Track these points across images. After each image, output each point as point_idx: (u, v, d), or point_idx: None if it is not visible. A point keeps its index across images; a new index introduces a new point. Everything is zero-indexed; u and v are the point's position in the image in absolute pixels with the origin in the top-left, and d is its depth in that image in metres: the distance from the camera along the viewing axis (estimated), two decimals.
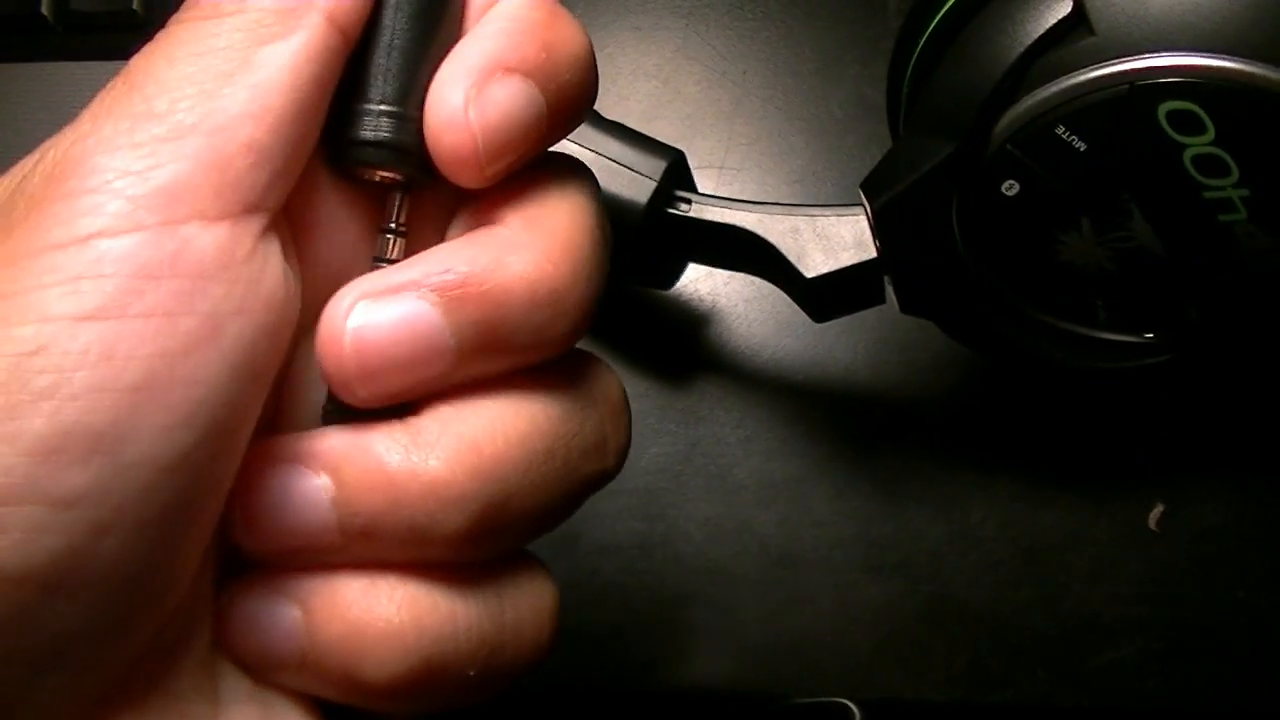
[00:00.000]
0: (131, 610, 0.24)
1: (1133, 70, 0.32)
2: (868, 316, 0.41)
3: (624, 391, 0.31)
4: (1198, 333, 0.37)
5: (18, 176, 0.25)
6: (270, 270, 0.25)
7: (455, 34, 0.28)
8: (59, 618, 0.23)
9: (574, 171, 0.29)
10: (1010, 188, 0.35)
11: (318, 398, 0.28)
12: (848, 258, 0.38)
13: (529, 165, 0.28)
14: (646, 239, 0.41)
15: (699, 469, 0.46)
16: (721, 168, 0.49)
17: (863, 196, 0.37)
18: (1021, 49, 0.33)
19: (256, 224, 0.25)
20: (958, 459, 0.46)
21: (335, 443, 0.27)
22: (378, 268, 0.28)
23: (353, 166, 0.28)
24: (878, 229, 0.37)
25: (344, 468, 0.26)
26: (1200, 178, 0.33)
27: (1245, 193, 0.33)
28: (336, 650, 0.26)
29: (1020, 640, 0.44)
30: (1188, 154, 0.33)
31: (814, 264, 0.38)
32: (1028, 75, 0.34)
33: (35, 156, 0.25)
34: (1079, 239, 0.35)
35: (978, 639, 0.45)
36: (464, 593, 0.28)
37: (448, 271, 0.26)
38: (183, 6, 0.26)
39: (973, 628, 0.45)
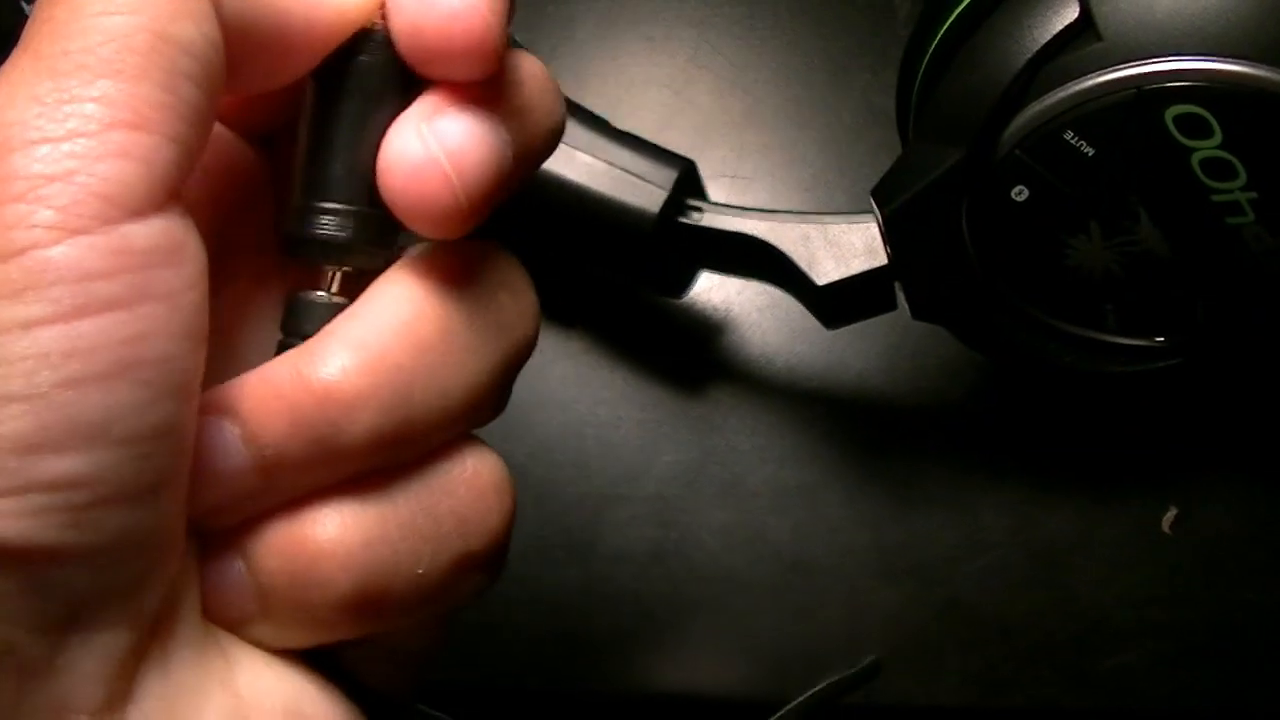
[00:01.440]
0: (140, 571, 0.24)
1: (1139, 75, 0.32)
2: (879, 323, 0.41)
3: (520, 268, 0.30)
4: (1207, 335, 0.37)
5: None
6: (195, 237, 0.25)
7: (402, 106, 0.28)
8: (71, 584, 0.23)
9: None
10: (1019, 193, 0.35)
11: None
12: (859, 265, 0.38)
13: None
14: (658, 248, 0.41)
15: (712, 476, 0.47)
16: (733, 176, 0.49)
17: (873, 203, 0.37)
18: (1029, 55, 0.34)
19: (180, 204, 0.24)
20: (969, 464, 0.46)
21: (238, 384, 0.27)
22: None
23: (309, 261, 0.28)
24: (888, 235, 0.37)
25: (245, 402, 0.26)
26: (1208, 181, 0.33)
27: (1253, 196, 0.33)
28: (283, 590, 0.27)
29: (1032, 644, 0.44)
30: (1195, 158, 0.33)
31: (825, 271, 0.39)
32: (1035, 81, 0.34)
33: None
34: (1088, 243, 0.35)
35: (989, 643, 0.45)
36: (389, 494, 0.27)
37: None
38: None
39: (984, 632, 0.45)
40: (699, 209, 0.41)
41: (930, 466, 0.46)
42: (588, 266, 0.45)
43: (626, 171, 0.41)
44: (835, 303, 0.40)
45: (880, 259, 0.38)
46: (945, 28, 0.37)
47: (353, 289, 0.28)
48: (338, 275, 0.28)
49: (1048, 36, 0.34)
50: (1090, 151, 0.34)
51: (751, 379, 0.47)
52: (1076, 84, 0.33)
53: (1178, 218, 0.34)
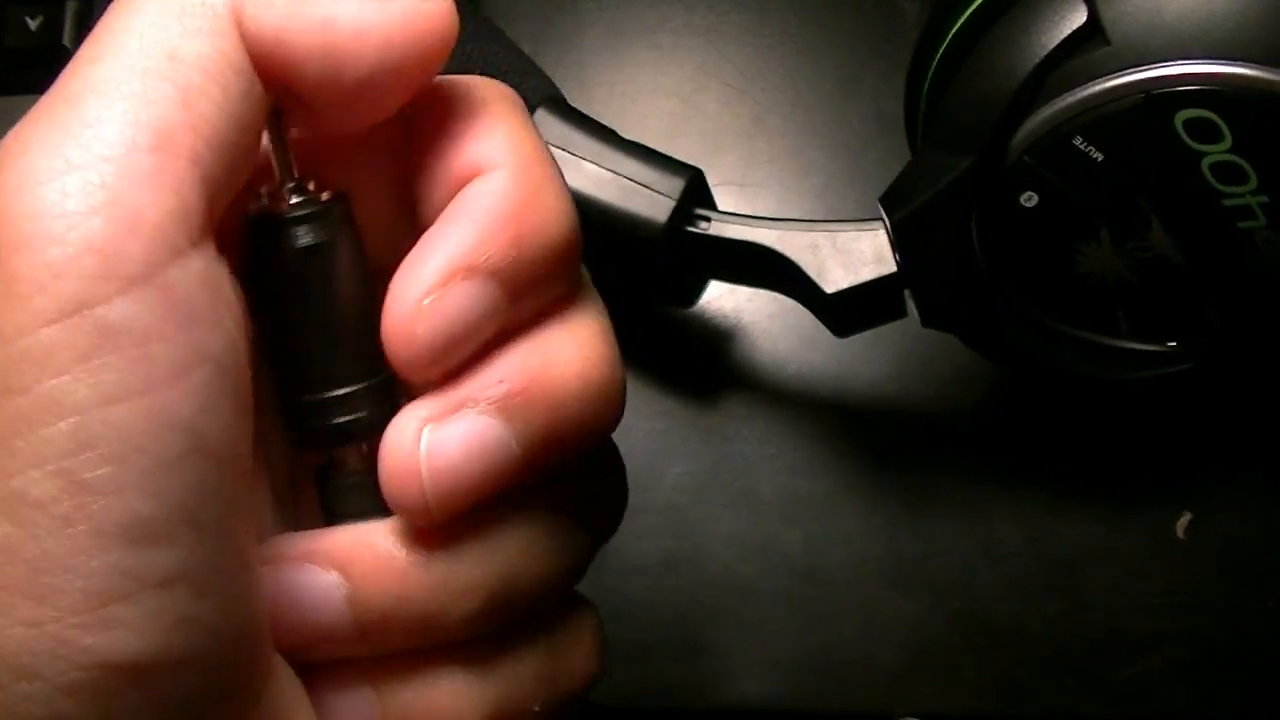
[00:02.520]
0: (241, 669, 0.24)
1: (1148, 79, 0.32)
2: (890, 331, 0.41)
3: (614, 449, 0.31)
4: (1220, 340, 0.37)
5: None
6: (230, 282, 0.24)
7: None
8: (188, 691, 0.23)
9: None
10: (1029, 199, 0.35)
11: None
12: (868, 272, 0.38)
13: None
14: (667, 257, 0.41)
15: (724, 486, 0.46)
16: (742, 184, 0.49)
17: (882, 211, 0.37)
18: (1037, 60, 0.33)
19: (214, 242, 0.24)
20: (983, 472, 0.46)
21: (343, 539, 0.27)
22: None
23: (329, 449, 0.28)
24: (897, 243, 0.37)
25: (354, 564, 0.27)
26: (1219, 185, 0.33)
27: (1264, 199, 0.33)
28: None
29: (1050, 652, 0.44)
30: (1205, 162, 0.33)
31: (834, 279, 0.38)
32: (1044, 87, 0.34)
33: None
34: (1098, 249, 0.35)
35: (1006, 652, 0.44)
36: (495, 660, 0.28)
37: (502, 382, 0.26)
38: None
39: (1000, 641, 0.44)
40: (707, 218, 0.41)
41: (943, 475, 0.46)
42: (596, 276, 0.44)
43: (634, 181, 0.41)
44: (845, 311, 0.39)
45: (890, 266, 0.38)
46: (953, 34, 0.36)
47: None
48: (363, 449, 0.28)
49: (1055, 41, 0.33)
50: (1099, 157, 0.33)
51: (762, 388, 0.47)
52: (1085, 89, 0.33)
53: (1189, 223, 0.34)
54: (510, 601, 0.27)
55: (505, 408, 0.26)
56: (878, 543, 0.45)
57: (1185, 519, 0.45)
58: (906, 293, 0.39)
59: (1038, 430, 0.46)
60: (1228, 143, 0.32)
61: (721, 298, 0.48)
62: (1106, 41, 0.33)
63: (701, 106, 0.51)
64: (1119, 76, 0.32)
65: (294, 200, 0.26)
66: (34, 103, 0.24)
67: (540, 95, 0.42)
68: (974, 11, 0.35)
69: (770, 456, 0.47)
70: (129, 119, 0.22)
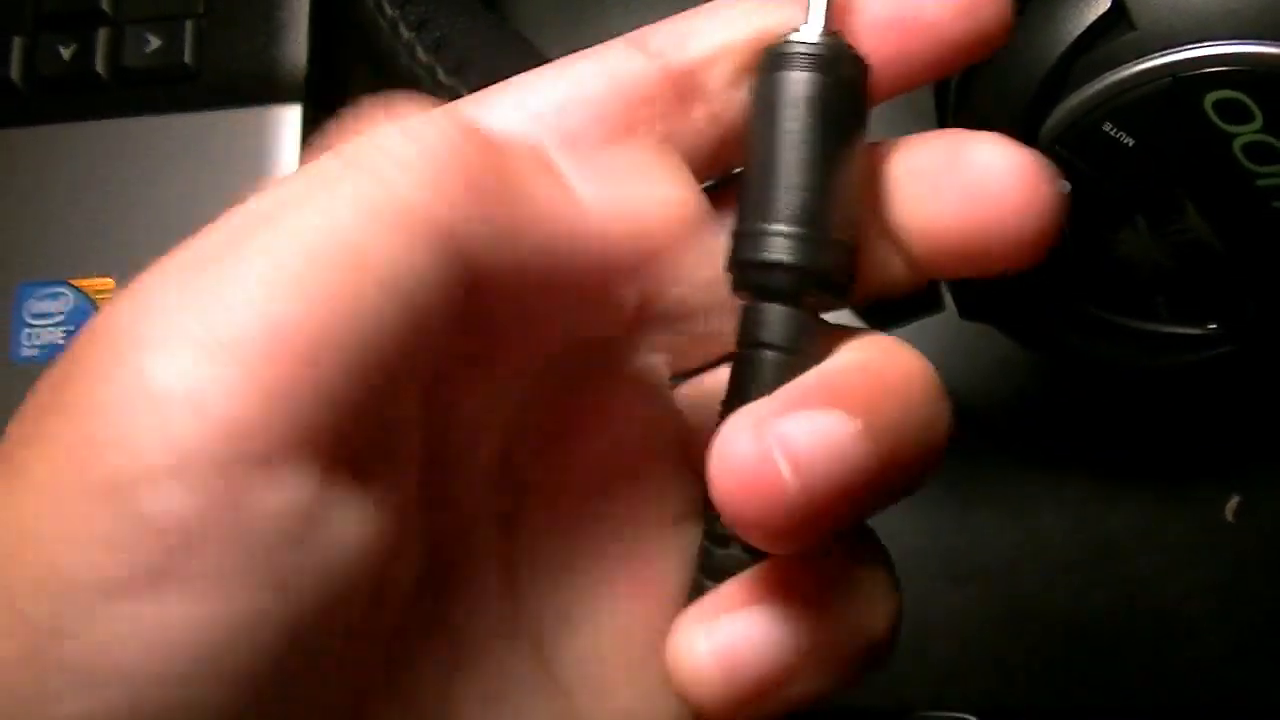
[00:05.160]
0: None
1: (1175, 62, 0.32)
2: (929, 325, 0.41)
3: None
4: (1259, 321, 0.37)
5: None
6: (349, 515, 0.21)
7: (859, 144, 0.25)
8: None
9: None
10: (1062, 187, 0.35)
11: None
12: None
13: None
14: None
15: None
16: None
17: None
18: (1063, 48, 0.33)
19: (330, 464, 0.20)
20: (1027, 463, 0.46)
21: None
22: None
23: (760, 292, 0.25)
24: None
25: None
26: (1251, 166, 0.33)
27: None
28: None
29: (1098, 641, 0.44)
30: (1237, 143, 0.33)
31: None
32: (1071, 74, 0.34)
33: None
34: (1134, 235, 0.35)
35: (1058, 642, 0.44)
36: None
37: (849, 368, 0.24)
38: None
39: (1051, 631, 0.44)
40: None
41: (988, 467, 0.46)
42: None
43: None
44: (883, 306, 0.39)
45: None
46: None
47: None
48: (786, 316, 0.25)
49: (1081, 29, 0.33)
50: (1130, 142, 0.33)
51: None
52: (1112, 75, 0.33)
53: (1223, 204, 0.34)
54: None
55: (858, 401, 0.23)
56: (924, 537, 0.45)
57: (1234, 502, 0.44)
58: (943, 286, 0.39)
59: (1080, 418, 0.46)
60: (1258, 123, 0.32)
61: None
62: (1132, 26, 0.33)
63: None
64: (1146, 61, 0.32)
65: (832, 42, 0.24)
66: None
67: None
68: None
69: None
70: (253, 308, 0.20)
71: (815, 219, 0.24)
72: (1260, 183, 0.33)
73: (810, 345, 0.24)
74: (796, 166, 0.24)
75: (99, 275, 0.47)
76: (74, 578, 0.18)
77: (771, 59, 0.25)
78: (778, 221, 0.24)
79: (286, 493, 0.19)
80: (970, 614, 0.45)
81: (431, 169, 0.21)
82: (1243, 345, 0.37)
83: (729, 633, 0.24)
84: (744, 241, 0.25)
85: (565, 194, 0.23)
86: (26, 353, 0.47)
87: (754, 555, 0.25)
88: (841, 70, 0.25)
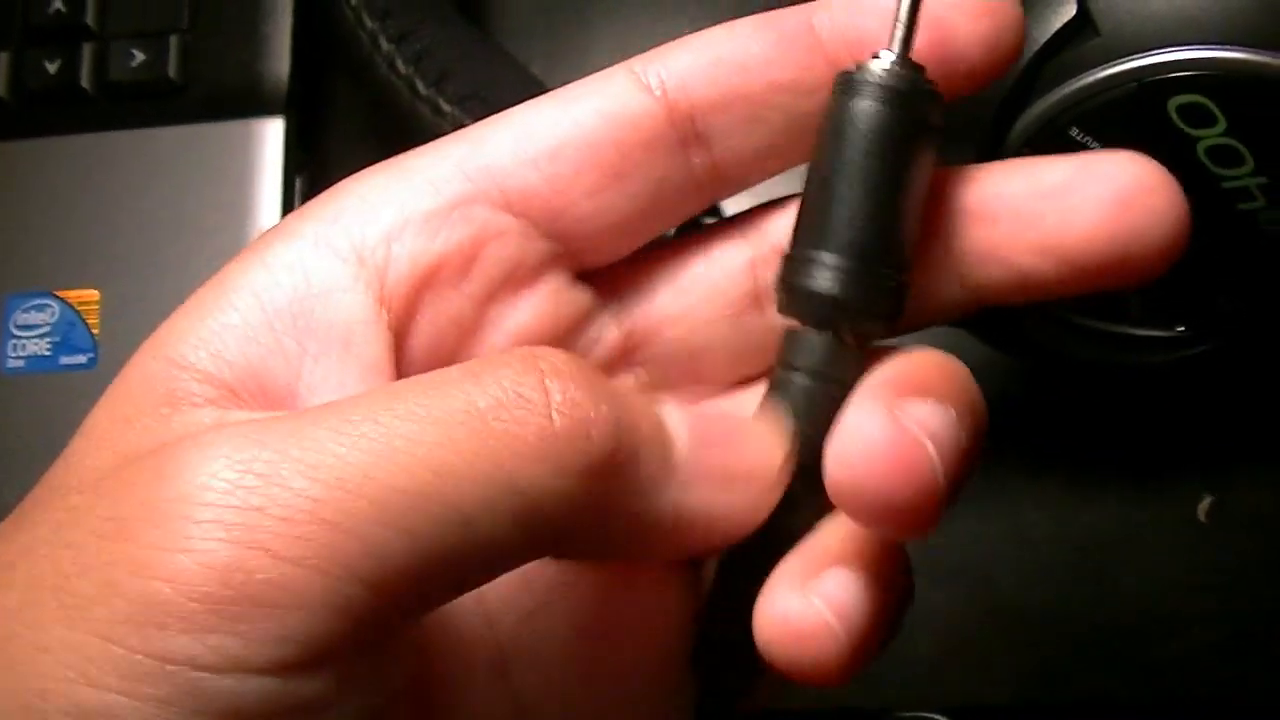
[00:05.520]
0: None
1: (1139, 68, 0.33)
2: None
3: None
4: (1229, 322, 0.37)
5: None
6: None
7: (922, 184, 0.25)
8: None
9: None
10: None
11: None
12: None
13: None
14: None
15: None
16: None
17: None
18: (1030, 54, 0.34)
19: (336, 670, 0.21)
20: (1006, 462, 0.46)
21: None
22: None
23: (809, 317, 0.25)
24: None
25: None
26: (1217, 169, 0.33)
27: (1262, 180, 0.33)
28: None
29: (1082, 637, 0.44)
30: (1201, 146, 0.33)
31: None
32: (1039, 80, 0.34)
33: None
34: None
35: (1039, 639, 0.45)
36: None
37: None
38: None
39: (1033, 628, 0.45)
40: (716, 213, 0.41)
41: None
42: None
43: None
44: None
45: None
46: None
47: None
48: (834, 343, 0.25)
49: (1047, 34, 0.34)
50: (1097, 146, 0.34)
51: None
52: (1078, 80, 0.33)
53: (1190, 207, 0.34)
54: None
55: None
56: None
57: (1207, 502, 0.45)
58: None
59: (1059, 419, 0.46)
60: (1222, 126, 0.33)
61: None
62: (1097, 33, 0.33)
63: None
64: (1110, 66, 0.33)
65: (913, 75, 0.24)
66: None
67: None
68: None
69: None
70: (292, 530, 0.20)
71: (867, 253, 0.24)
72: (1226, 185, 0.34)
73: (849, 373, 0.25)
74: (856, 199, 0.24)
75: (85, 287, 0.47)
76: None
77: (846, 84, 0.25)
78: (830, 250, 0.24)
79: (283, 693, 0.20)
80: (951, 613, 0.45)
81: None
82: (1213, 346, 0.38)
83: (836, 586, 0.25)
84: (794, 266, 0.25)
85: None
86: (12, 364, 0.47)
87: None
88: (914, 106, 0.24)
